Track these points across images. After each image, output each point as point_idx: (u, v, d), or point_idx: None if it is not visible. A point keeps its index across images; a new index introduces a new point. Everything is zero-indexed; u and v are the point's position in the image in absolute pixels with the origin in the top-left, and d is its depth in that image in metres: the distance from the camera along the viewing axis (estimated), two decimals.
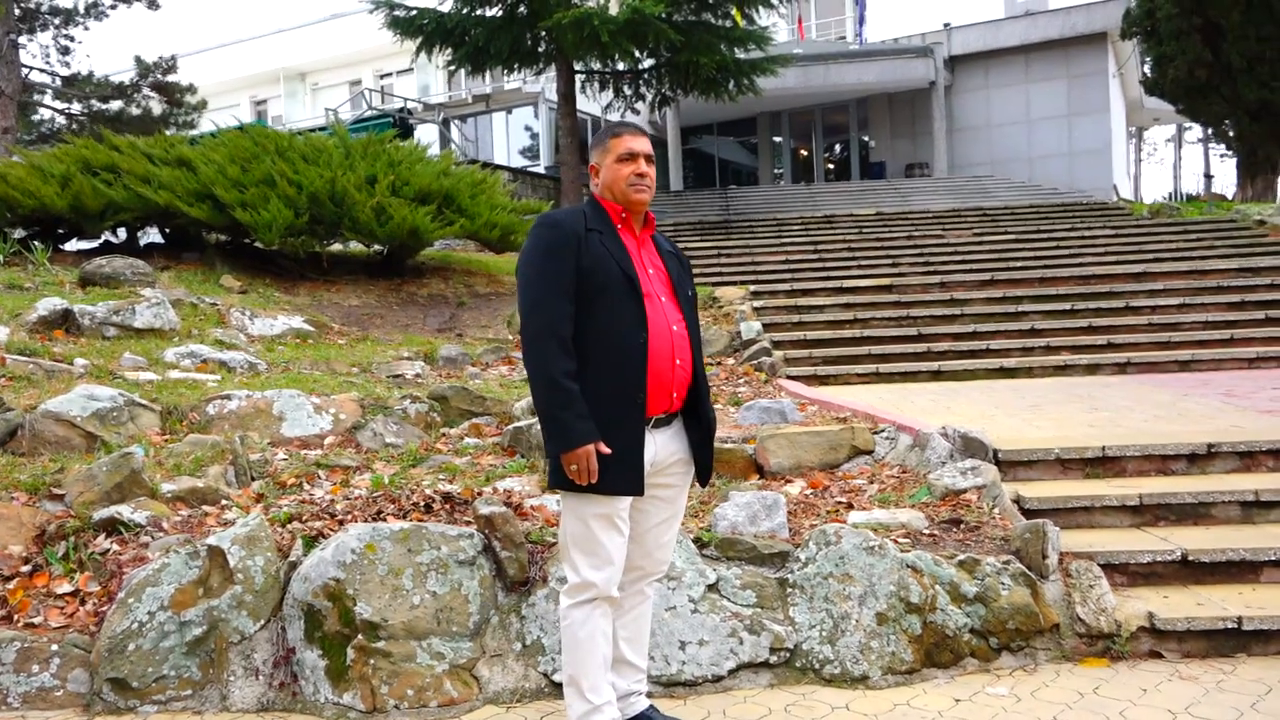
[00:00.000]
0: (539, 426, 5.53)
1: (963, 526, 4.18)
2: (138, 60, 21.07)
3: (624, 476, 2.84)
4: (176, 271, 9.63)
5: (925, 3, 29.11)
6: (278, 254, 10.58)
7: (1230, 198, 22.00)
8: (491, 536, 3.86)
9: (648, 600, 3.17)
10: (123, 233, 11.20)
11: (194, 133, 16.60)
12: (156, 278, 9.04)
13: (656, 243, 3.12)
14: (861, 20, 28.15)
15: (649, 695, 3.22)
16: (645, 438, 2.90)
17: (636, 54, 18.60)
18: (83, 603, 3.95)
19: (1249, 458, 4.87)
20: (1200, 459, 4.88)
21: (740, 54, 19.44)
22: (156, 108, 21.70)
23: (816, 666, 3.61)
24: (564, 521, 2.97)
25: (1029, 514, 4.33)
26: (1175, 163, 45.71)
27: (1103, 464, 4.89)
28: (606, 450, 2.79)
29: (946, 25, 27.71)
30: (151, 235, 11.58)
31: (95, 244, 11.58)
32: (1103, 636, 3.73)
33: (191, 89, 21.40)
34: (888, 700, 3.43)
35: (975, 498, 4.44)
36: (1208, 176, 36.71)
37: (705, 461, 3.07)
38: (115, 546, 4.19)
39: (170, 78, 21.01)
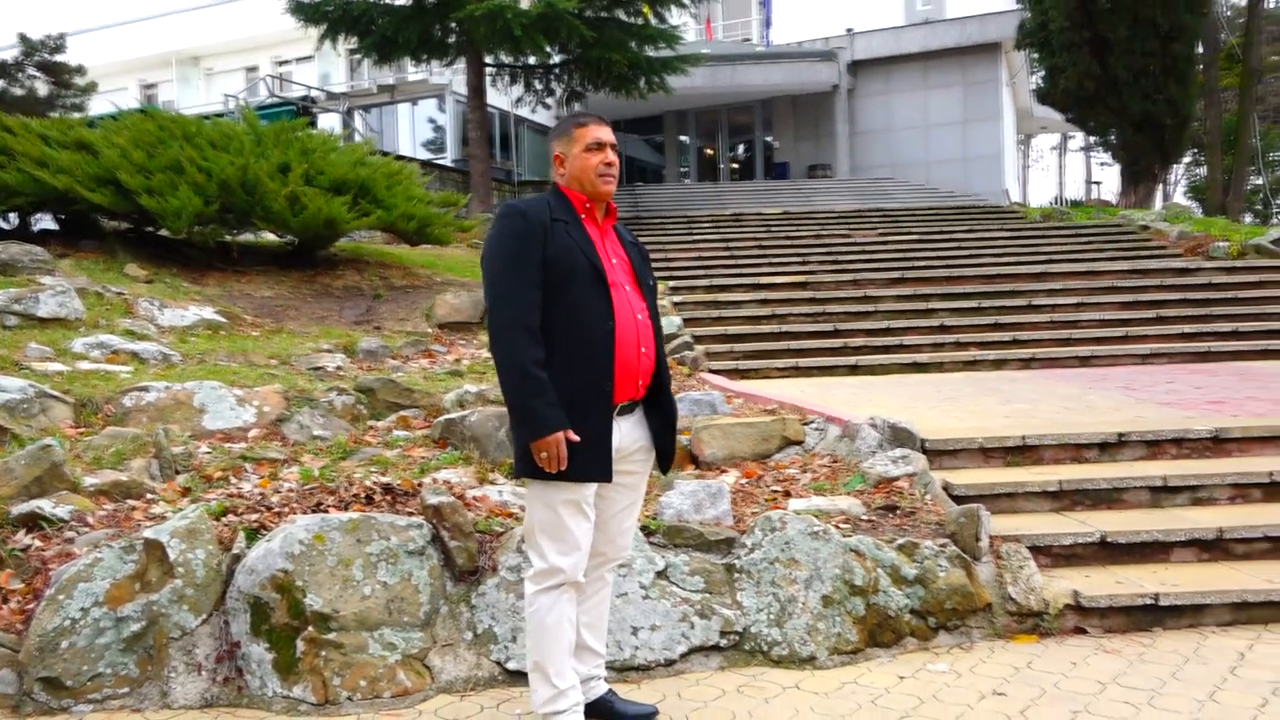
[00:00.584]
0: (473, 419, 5.53)
1: (898, 512, 4.33)
2: (22, 38, 20.06)
3: (593, 463, 2.87)
4: (76, 259, 9.23)
5: (829, 8, 29.70)
6: (184, 243, 10.23)
7: (1115, 204, 23.08)
8: (440, 526, 3.84)
9: (608, 586, 3.21)
10: (14, 218, 10.67)
11: (80, 116, 15.86)
12: (56, 265, 8.66)
13: (618, 233, 3.14)
14: (768, 23, 28.62)
15: (605, 680, 3.25)
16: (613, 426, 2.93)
17: (548, 48, 18.56)
18: (4, 600, 3.78)
19: (1155, 446, 5.16)
20: (1111, 447, 5.14)
21: (651, 52, 19.56)
22: (42, 89, 20.68)
23: (765, 648, 3.70)
24: (530, 509, 2.98)
25: (958, 500, 4.51)
26: (1060, 169, 47.68)
27: (1023, 452, 5.11)
28: (575, 438, 2.81)
29: (849, 30, 28.36)
30: (45, 221, 11.06)
31: None
32: (1032, 614, 3.91)
33: (81, 70, 20.47)
34: (835, 679, 3.54)
35: (907, 485, 4.60)
36: (1095, 183, 38.41)
37: (667, 448, 3.11)
38: (37, 542, 4.03)
39: (58, 58, 20.05)
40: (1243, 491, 4.75)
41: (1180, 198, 38.27)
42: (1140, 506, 4.70)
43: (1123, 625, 3.93)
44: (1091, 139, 31.36)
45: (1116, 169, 22.80)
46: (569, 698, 2.96)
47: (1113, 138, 21.19)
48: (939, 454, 5.08)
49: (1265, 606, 3.95)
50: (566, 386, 2.85)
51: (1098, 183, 39.02)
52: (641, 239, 3.43)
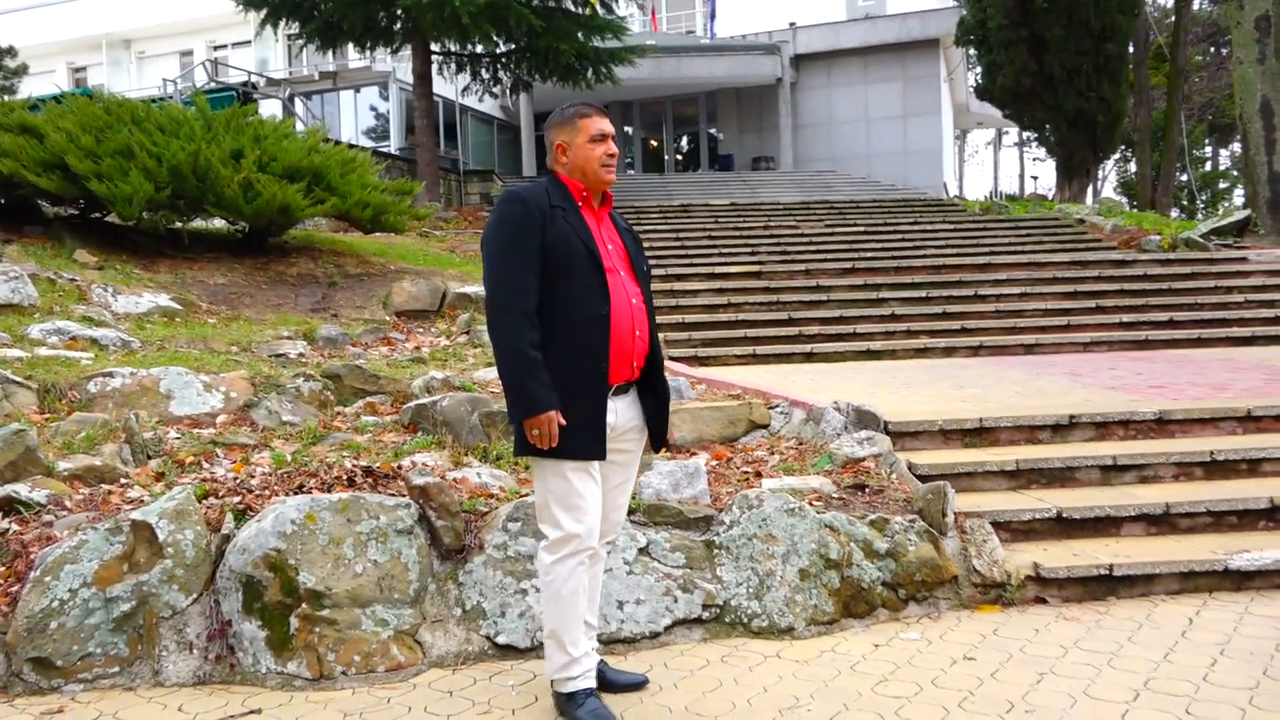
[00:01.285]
0: (445, 403, 5.59)
1: (867, 490, 4.50)
2: None
3: (588, 442, 2.97)
4: (21, 245, 9.03)
5: (772, 2, 29.96)
6: (133, 230, 10.07)
7: (1050, 198, 23.71)
8: (426, 506, 3.91)
9: (601, 561, 3.31)
10: None
11: (19, 99, 15.43)
12: (2, 251, 8.48)
13: (614, 220, 3.24)
14: (713, 15, 28.79)
15: (596, 651, 3.33)
16: (609, 406, 3.03)
17: (496, 37, 18.50)
18: None
19: (1104, 428, 5.41)
20: (1063, 429, 5.38)
21: (598, 42, 19.61)
22: None
23: (745, 620, 3.84)
24: (541, 481, 3.06)
25: (921, 479, 4.70)
26: (995, 164, 48.76)
27: (980, 434, 5.33)
28: (563, 422, 2.90)
29: (792, 25, 28.68)
30: None
31: None
32: (995, 585, 4.11)
33: (11, 51, 19.90)
34: (814, 648, 3.69)
35: (874, 465, 4.78)
36: (1033, 178, 39.33)
37: (660, 428, 3.21)
38: (15, 526, 4.02)
39: None
40: (1186, 470, 5.01)
41: (1110, 192, 39.41)
42: (1092, 484, 4.94)
43: (1080, 595, 4.14)
44: (1026, 134, 32.14)
45: (1051, 164, 23.45)
46: (582, 664, 3.07)
47: (1048, 133, 21.75)
48: (901, 435, 5.27)
49: (1210, 575, 4.19)
50: (563, 368, 2.94)
51: (1035, 177, 39.98)
52: None
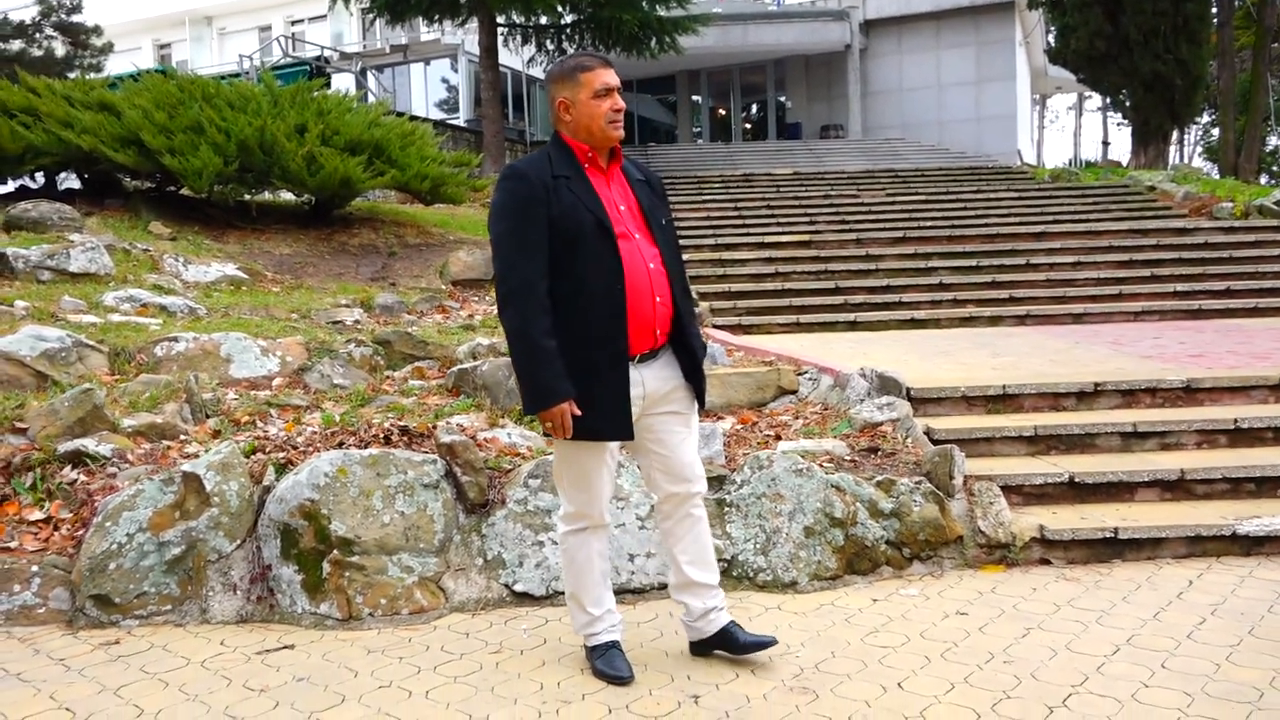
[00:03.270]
0: (485, 368, 5.85)
1: (880, 453, 4.64)
2: None
3: (610, 423, 2.91)
4: (101, 218, 9.56)
5: None
6: (205, 202, 10.55)
7: (1125, 165, 23.10)
8: (453, 463, 4.16)
9: (700, 521, 3.19)
10: (40, 177, 11.00)
11: (100, 77, 16.13)
12: (83, 223, 8.99)
13: (626, 173, 3.07)
14: None
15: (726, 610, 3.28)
16: (634, 377, 2.95)
17: (559, 8, 18.68)
18: (56, 528, 4.15)
19: (1130, 395, 5.44)
20: (1088, 396, 5.42)
21: (662, 11, 19.65)
22: (60, 49, 20.94)
23: (751, 574, 4.02)
24: (557, 455, 3.10)
25: (938, 443, 4.79)
26: (1076, 130, 47.47)
27: (1003, 400, 5.40)
28: (578, 411, 2.86)
29: None
30: (70, 181, 11.38)
31: (8, 189, 11.34)
32: (1000, 546, 4.22)
33: (98, 30, 20.70)
34: (814, 601, 3.86)
35: (890, 429, 4.90)
36: (1105, 144, 38.23)
37: (697, 388, 3.10)
38: (83, 477, 4.38)
39: (75, 18, 20.28)
40: (1209, 437, 5.03)
41: (1197, 160, 38.11)
42: (1111, 451, 4.99)
43: (1084, 557, 4.23)
44: (1106, 99, 31.21)
45: (1129, 130, 22.81)
46: (604, 621, 3.16)
47: (1123, 98, 21.17)
48: (924, 402, 5.37)
49: (1218, 540, 4.24)
50: (578, 347, 2.87)
51: (1108, 143, 38.84)
52: None
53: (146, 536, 3.89)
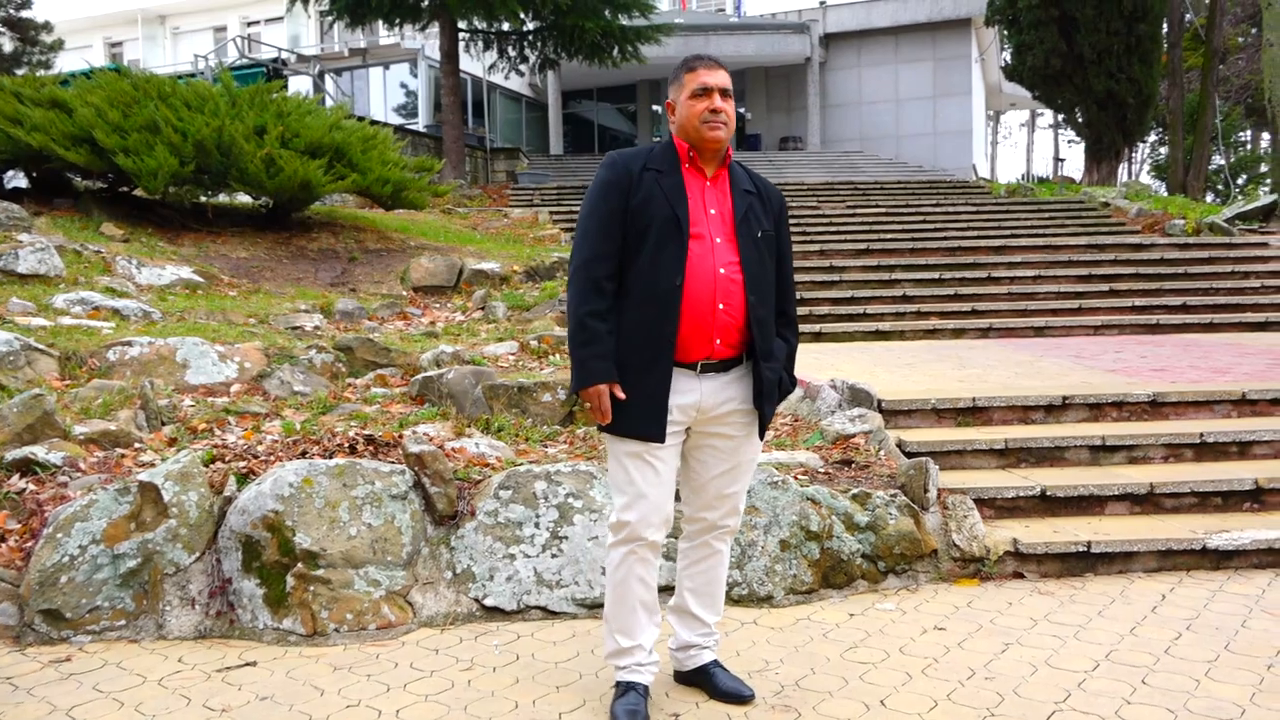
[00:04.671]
0: (450, 376, 5.74)
1: (854, 466, 4.60)
2: None
3: (644, 421, 2.81)
4: (51, 218, 9.29)
5: None
6: (158, 203, 10.30)
7: (1078, 181, 23.48)
8: (421, 473, 4.06)
9: (717, 555, 3.08)
10: None
11: (52, 74, 15.73)
12: (32, 223, 8.72)
13: (735, 179, 2.98)
14: None
15: (713, 650, 3.18)
16: (683, 383, 2.85)
17: (522, 14, 18.58)
18: (3, 540, 3.98)
19: (1097, 409, 5.47)
20: (1056, 409, 5.44)
21: (625, 20, 19.64)
22: (7, 45, 20.43)
23: (726, 589, 3.95)
24: (609, 458, 2.99)
25: (910, 456, 4.79)
26: (1028, 146, 48.23)
27: (973, 413, 5.40)
28: (621, 395, 2.79)
29: (822, 3, 28.51)
30: (17, 180, 11.07)
31: None
32: (974, 560, 4.20)
33: (48, 26, 20.22)
34: (791, 616, 3.81)
35: (863, 441, 4.88)
36: (1059, 160, 38.89)
37: (761, 414, 2.94)
38: (32, 486, 4.22)
39: (24, 13, 19.80)
40: (1175, 451, 5.07)
41: (1145, 177, 38.90)
42: (1080, 464, 5.01)
43: (1058, 571, 4.23)
44: (1058, 117, 31.77)
45: (1082, 147, 23.19)
46: (632, 656, 2.95)
47: (1078, 115, 21.53)
48: (895, 414, 5.36)
49: (1189, 554, 4.26)
50: (630, 339, 2.82)
51: (1062, 160, 39.54)
52: None
53: (100, 549, 3.73)
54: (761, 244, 2.93)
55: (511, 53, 20.88)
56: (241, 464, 4.29)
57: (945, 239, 12.39)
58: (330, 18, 20.08)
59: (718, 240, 2.87)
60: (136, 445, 4.76)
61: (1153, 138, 37.75)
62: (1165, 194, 21.35)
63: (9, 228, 8.36)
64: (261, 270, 9.31)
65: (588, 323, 2.81)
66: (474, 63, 22.45)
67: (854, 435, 4.93)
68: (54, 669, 3.37)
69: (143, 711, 3.03)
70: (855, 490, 4.27)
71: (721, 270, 2.84)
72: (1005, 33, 22.29)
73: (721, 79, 2.89)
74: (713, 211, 2.90)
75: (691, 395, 2.86)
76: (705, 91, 2.86)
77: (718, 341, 2.85)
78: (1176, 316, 9.75)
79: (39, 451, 4.37)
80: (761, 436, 3.01)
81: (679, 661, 3.17)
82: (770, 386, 2.92)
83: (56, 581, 3.66)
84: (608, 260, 2.84)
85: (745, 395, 2.92)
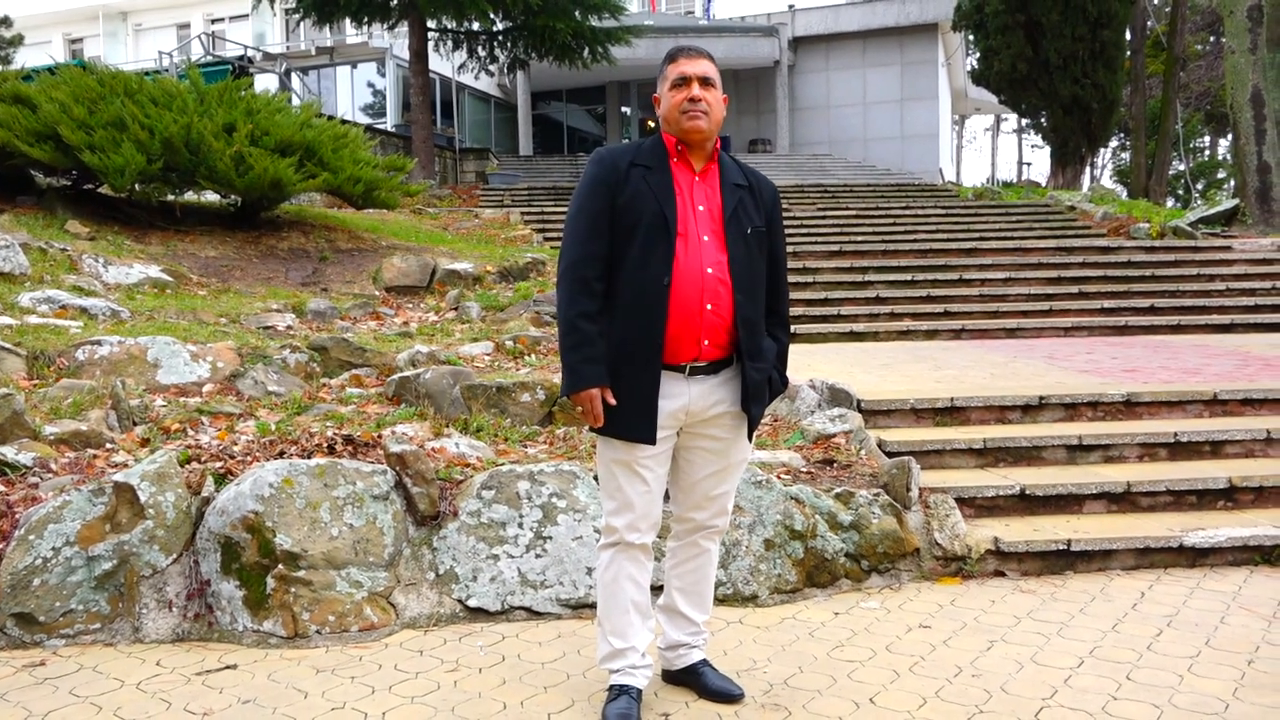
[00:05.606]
0: (427, 376, 5.69)
1: (835, 465, 4.61)
2: None
3: (635, 422, 2.78)
4: (14, 215, 9.10)
5: None
6: (125, 201, 10.13)
7: (1044, 184, 23.77)
8: (403, 473, 4.01)
9: (705, 554, 3.07)
10: None
11: (12, 69, 15.43)
12: None
13: (725, 173, 2.91)
14: None
15: (701, 649, 3.17)
16: (672, 386, 2.82)
17: (492, 15, 18.50)
18: None
19: (1072, 409, 5.52)
20: (1033, 409, 5.49)
21: (595, 22, 19.61)
22: None
23: None
24: (598, 462, 2.97)
25: (890, 455, 4.80)
26: (993, 150, 48.79)
27: (951, 413, 5.43)
28: (612, 401, 2.76)
29: (791, 7, 28.66)
30: None
31: None
32: (956, 559, 4.22)
33: (7, 21, 19.85)
34: (776, 615, 3.81)
35: (844, 441, 4.89)
36: (1025, 164, 39.35)
37: (749, 416, 2.89)
38: (1, 487, 4.12)
39: None
40: (1150, 450, 5.13)
41: (1107, 181, 39.47)
42: (1057, 463, 5.05)
43: (1038, 569, 4.26)
44: (1023, 121, 32.14)
45: (1047, 151, 23.48)
46: (625, 658, 2.92)
47: (1043, 120, 21.79)
48: (874, 414, 5.38)
49: (1165, 552, 4.31)
50: (619, 341, 2.78)
51: (1028, 164, 40.03)
52: None
53: (74, 550, 3.66)
54: (751, 241, 2.87)
55: (481, 53, 20.78)
56: (218, 464, 4.22)
57: (916, 241, 12.48)
58: (297, 15, 19.89)
59: (705, 238, 2.81)
60: (108, 446, 4.67)
61: (1115, 143, 38.33)
62: (1127, 198, 21.66)
63: None
64: (231, 269, 9.18)
65: (578, 324, 2.76)
66: (443, 62, 22.32)
67: (835, 435, 4.94)
68: (28, 674, 3.29)
69: (122, 716, 2.97)
70: (839, 490, 4.27)
71: (709, 269, 2.79)
72: (972, 38, 22.52)
73: (701, 68, 2.82)
74: (701, 208, 2.84)
75: (680, 399, 2.83)
76: (684, 81, 2.81)
77: (705, 342, 2.80)
78: (1145, 318, 9.88)
79: (8, 452, 4.28)
80: (750, 438, 2.98)
81: (668, 661, 3.15)
82: (757, 388, 2.87)
83: (29, 584, 3.58)
84: (596, 261, 2.80)
85: (734, 397, 2.88)
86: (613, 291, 2.81)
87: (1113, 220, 14.35)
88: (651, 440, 2.79)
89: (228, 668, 3.35)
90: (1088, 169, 25.78)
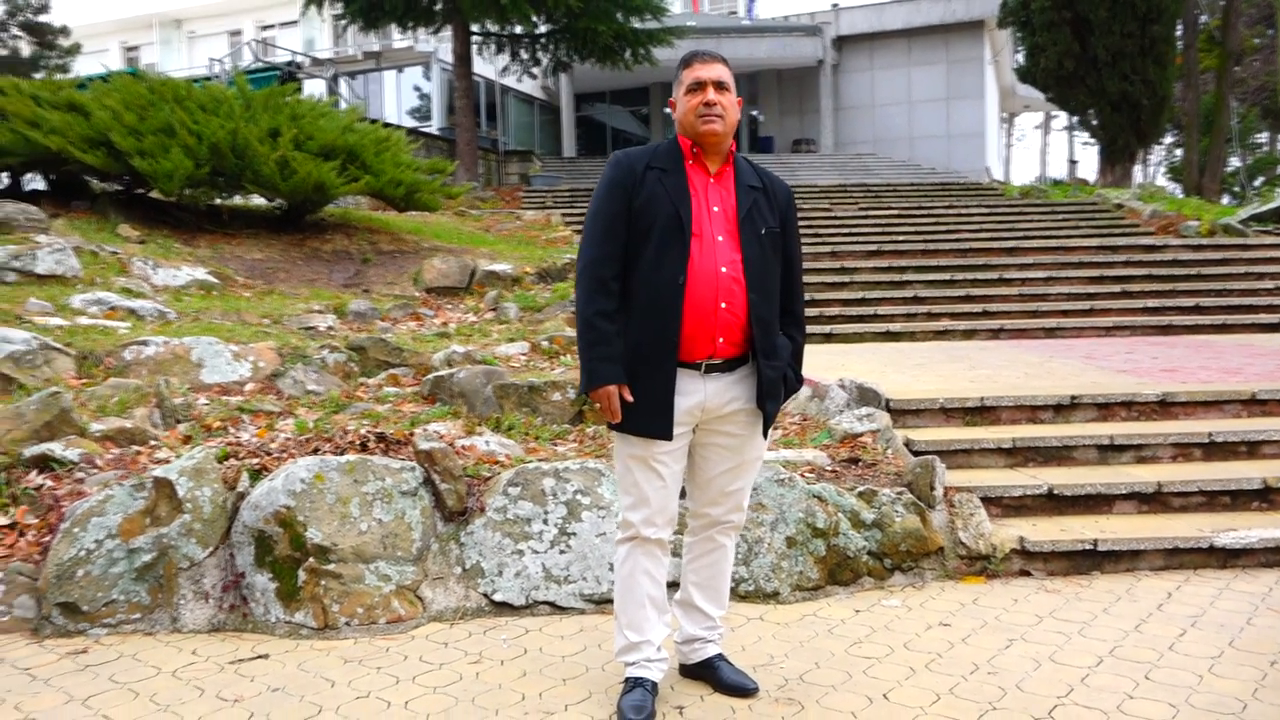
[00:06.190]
0: (461, 375, 5.79)
1: (860, 464, 4.63)
2: None
3: (651, 419, 2.83)
4: (68, 219, 9.38)
5: None
6: (174, 205, 10.40)
7: (1092, 182, 23.42)
8: (431, 470, 4.10)
9: (721, 549, 3.11)
10: (5, 178, 10.80)
11: (69, 77, 15.88)
12: (50, 225, 8.82)
13: (740, 175, 2.97)
14: None
15: (717, 643, 3.20)
16: (688, 383, 2.86)
17: (534, 18, 18.67)
18: (21, 534, 4.04)
19: (1106, 408, 5.47)
20: (1065, 409, 5.45)
21: (637, 24, 19.70)
22: (25, 49, 20.63)
23: (734, 585, 3.97)
24: (615, 462, 3.04)
25: (917, 454, 4.80)
26: (1042, 148, 48.09)
27: (981, 413, 5.42)
28: (629, 398, 2.82)
29: (835, 6, 28.51)
30: (36, 182, 11.19)
31: None
32: (980, 558, 4.22)
33: (65, 30, 20.41)
34: (797, 612, 3.84)
35: (871, 440, 4.90)
36: (1073, 162, 38.76)
37: (764, 413, 2.93)
38: (49, 482, 4.28)
39: (42, 18, 19.99)
40: (1184, 450, 5.07)
41: (1161, 179, 38.74)
42: (1088, 463, 5.01)
43: (1064, 569, 4.24)
44: (1073, 119, 31.67)
45: (1096, 148, 23.12)
46: (640, 651, 2.97)
47: (1091, 117, 21.47)
48: (903, 413, 5.38)
49: (1195, 553, 4.27)
50: (636, 339, 2.84)
51: (1075, 161, 39.41)
52: None
53: (116, 543, 3.79)
54: (765, 241, 2.92)
55: (524, 56, 20.96)
56: (255, 461, 4.35)
57: (957, 240, 12.39)
58: (344, 21, 20.22)
59: (719, 238, 2.86)
60: (152, 443, 4.82)
61: (1169, 139, 37.63)
62: (1181, 196, 21.27)
63: (27, 229, 8.46)
64: (276, 271, 9.39)
65: (595, 323, 2.83)
66: (487, 66, 22.55)
67: (861, 434, 4.95)
68: (71, 660, 3.43)
69: (157, 701, 3.09)
70: (862, 488, 4.29)
71: (723, 269, 2.84)
72: (1018, 34, 22.25)
73: (716, 72, 2.88)
74: (715, 209, 2.89)
75: (696, 396, 2.87)
76: (700, 86, 2.87)
77: (720, 340, 2.86)
78: (1189, 317, 9.73)
79: (56, 448, 4.44)
80: (765, 435, 3.02)
81: (684, 655, 3.20)
82: (772, 385, 2.91)
83: (73, 575, 3.72)
84: (613, 261, 2.86)
85: (750, 394, 2.92)
86: (629, 291, 2.87)
87: (1161, 218, 14.12)
88: (668, 436, 2.84)
89: (260, 657, 3.46)
90: (1139, 166, 25.37)
